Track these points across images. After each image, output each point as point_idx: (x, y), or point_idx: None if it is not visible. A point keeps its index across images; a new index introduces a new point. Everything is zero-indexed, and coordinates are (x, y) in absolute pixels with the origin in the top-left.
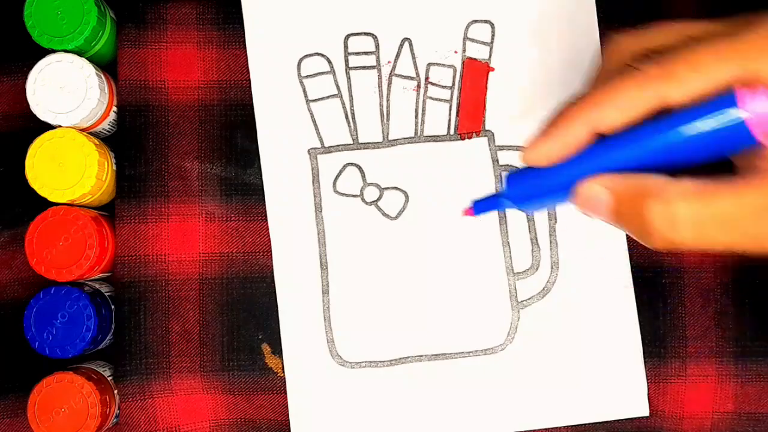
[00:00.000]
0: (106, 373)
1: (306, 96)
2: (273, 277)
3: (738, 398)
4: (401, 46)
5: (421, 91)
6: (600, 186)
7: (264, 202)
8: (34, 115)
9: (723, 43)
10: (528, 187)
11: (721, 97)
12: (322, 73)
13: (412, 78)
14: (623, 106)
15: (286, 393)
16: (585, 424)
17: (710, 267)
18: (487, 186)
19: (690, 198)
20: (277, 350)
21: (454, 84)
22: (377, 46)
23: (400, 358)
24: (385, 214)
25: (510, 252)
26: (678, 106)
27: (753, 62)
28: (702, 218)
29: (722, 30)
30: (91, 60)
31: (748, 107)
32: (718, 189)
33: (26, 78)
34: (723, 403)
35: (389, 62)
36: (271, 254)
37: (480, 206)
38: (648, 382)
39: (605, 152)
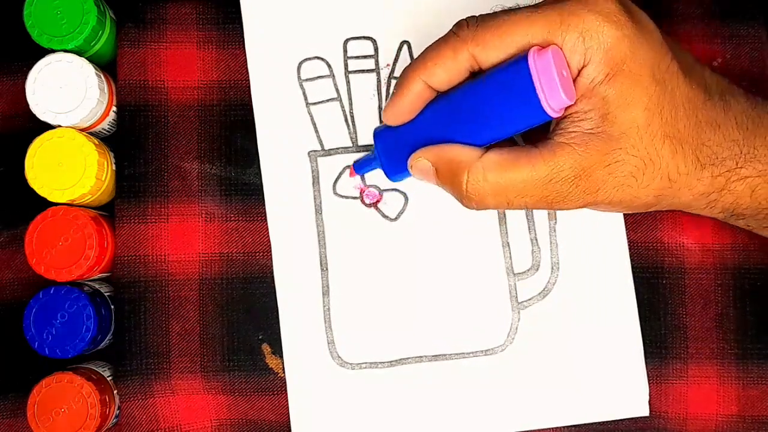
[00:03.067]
0: (106, 373)
1: (306, 99)
2: (273, 277)
3: (741, 401)
4: (400, 49)
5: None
6: (425, 159)
7: (264, 202)
8: (34, 115)
9: (526, 15)
10: (390, 143)
11: (517, 56)
12: (321, 77)
13: None
14: (445, 66)
15: (286, 394)
16: (587, 425)
17: (711, 269)
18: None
19: (493, 170)
20: (277, 350)
21: None
22: (376, 49)
23: (401, 359)
24: (384, 216)
25: (510, 253)
26: (488, 67)
27: (548, 31)
28: (502, 188)
29: (530, 3)
30: (90, 60)
31: (534, 62)
32: (516, 161)
33: (26, 78)
34: (726, 405)
35: (388, 65)
36: (270, 254)
37: (358, 166)
38: (649, 383)
39: (435, 109)
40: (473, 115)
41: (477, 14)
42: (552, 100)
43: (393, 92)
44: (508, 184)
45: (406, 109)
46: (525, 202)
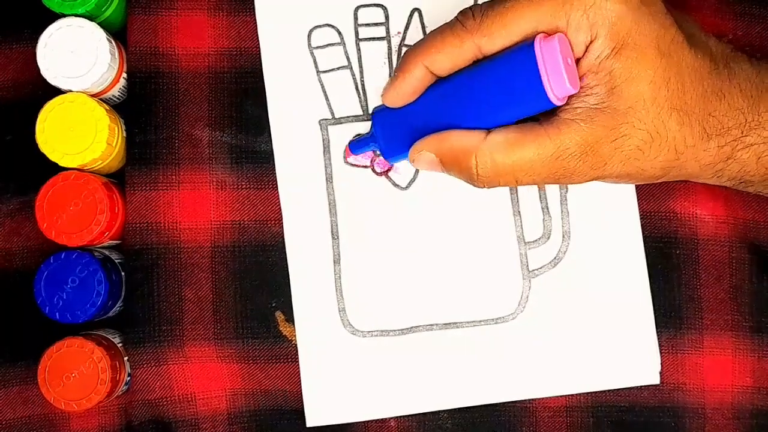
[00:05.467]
0: (116, 340)
1: (316, 67)
2: (285, 245)
3: (756, 373)
4: (411, 17)
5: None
6: (427, 151)
7: (275, 170)
8: (43, 83)
9: (527, 1)
10: (389, 124)
11: (523, 44)
12: (332, 45)
13: None
14: (448, 53)
15: (299, 362)
16: (604, 397)
17: (725, 241)
18: None
19: (499, 151)
20: (291, 318)
21: None
22: (387, 17)
23: (412, 327)
24: (395, 185)
25: (521, 221)
26: (492, 54)
27: (552, 13)
28: (509, 168)
29: None
30: (101, 26)
31: (540, 50)
32: (522, 140)
33: (36, 44)
34: (741, 377)
35: (399, 33)
36: (282, 222)
37: (355, 146)
38: (665, 354)
39: (437, 93)
40: (476, 100)
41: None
42: (557, 88)
43: (393, 74)
44: (515, 163)
45: (406, 92)
46: (533, 180)
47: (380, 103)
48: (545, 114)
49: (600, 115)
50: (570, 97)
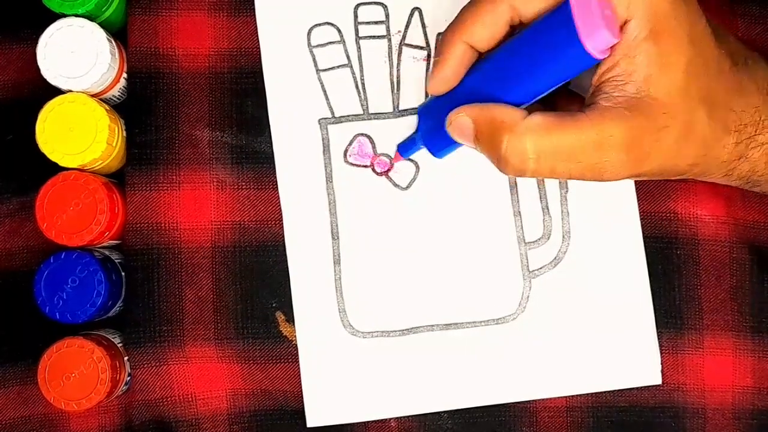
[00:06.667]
0: (116, 340)
1: (316, 65)
2: (285, 245)
3: (756, 373)
4: (411, 15)
5: (431, 60)
6: (465, 115)
7: (275, 170)
8: (44, 83)
9: None
10: (433, 118)
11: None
12: (332, 43)
13: (422, 48)
14: (485, 22)
15: (299, 362)
16: (604, 397)
17: (726, 241)
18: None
19: (537, 133)
20: (291, 318)
21: None
22: (387, 15)
23: (412, 328)
24: (396, 185)
25: (521, 221)
26: (530, 20)
27: None
28: (546, 151)
29: None
30: (101, 26)
31: (576, 7)
32: (562, 123)
33: (36, 44)
34: (742, 377)
35: (399, 32)
36: (282, 223)
37: (403, 148)
38: (665, 354)
39: (476, 72)
40: (515, 66)
41: None
42: (595, 38)
43: (434, 60)
44: (554, 148)
45: (448, 75)
46: (569, 170)
47: (379, 102)
48: (580, 106)
49: (640, 104)
50: (606, 85)
